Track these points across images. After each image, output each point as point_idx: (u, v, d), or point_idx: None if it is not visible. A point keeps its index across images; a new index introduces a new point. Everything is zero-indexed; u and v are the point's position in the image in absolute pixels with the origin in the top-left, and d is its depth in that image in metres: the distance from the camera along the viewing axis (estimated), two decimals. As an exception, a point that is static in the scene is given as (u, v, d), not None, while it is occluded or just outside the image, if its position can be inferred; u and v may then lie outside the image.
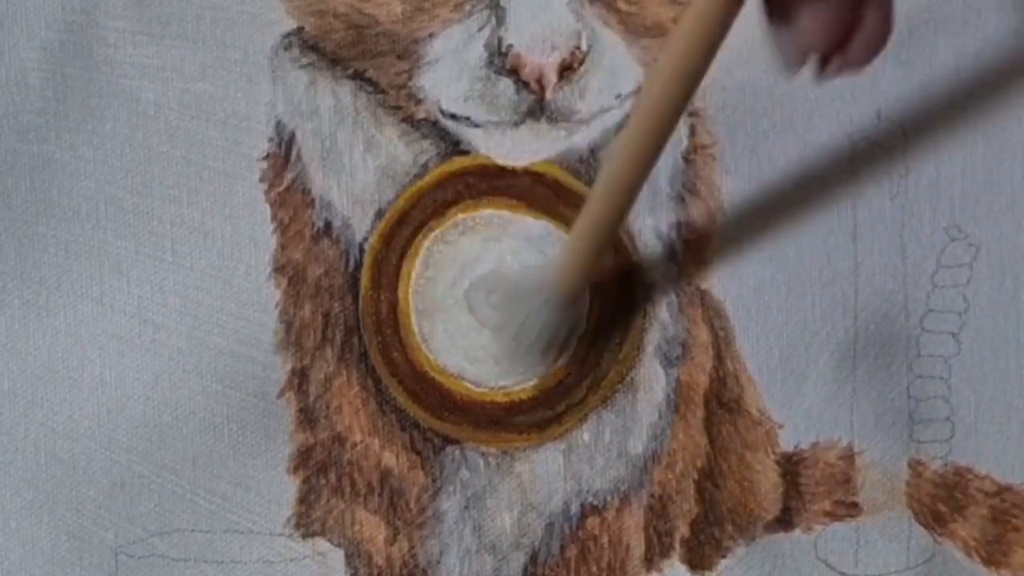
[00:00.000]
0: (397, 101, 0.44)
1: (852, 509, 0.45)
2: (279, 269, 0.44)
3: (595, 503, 0.45)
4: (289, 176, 0.44)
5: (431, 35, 0.44)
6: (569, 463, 0.45)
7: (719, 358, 0.45)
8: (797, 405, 0.45)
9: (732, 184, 0.45)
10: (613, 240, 0.42)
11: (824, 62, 0.34)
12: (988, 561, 0.45)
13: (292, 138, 0.44)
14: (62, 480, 0.44)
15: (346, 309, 0.44)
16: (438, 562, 0.44)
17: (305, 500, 0.44)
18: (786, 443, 0.45)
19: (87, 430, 0.44)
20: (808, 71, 0.34)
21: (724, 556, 0.45)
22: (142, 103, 0.44)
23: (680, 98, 0.35)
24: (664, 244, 0.45)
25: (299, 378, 0.44)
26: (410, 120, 0.44)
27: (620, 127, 0.44)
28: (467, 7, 0.44)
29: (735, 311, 0.45)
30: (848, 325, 0.45)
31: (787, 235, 0.45)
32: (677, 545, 0.45)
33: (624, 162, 0.37)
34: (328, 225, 0.44)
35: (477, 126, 0.44)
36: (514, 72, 0.43)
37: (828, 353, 0.45)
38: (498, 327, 0.44)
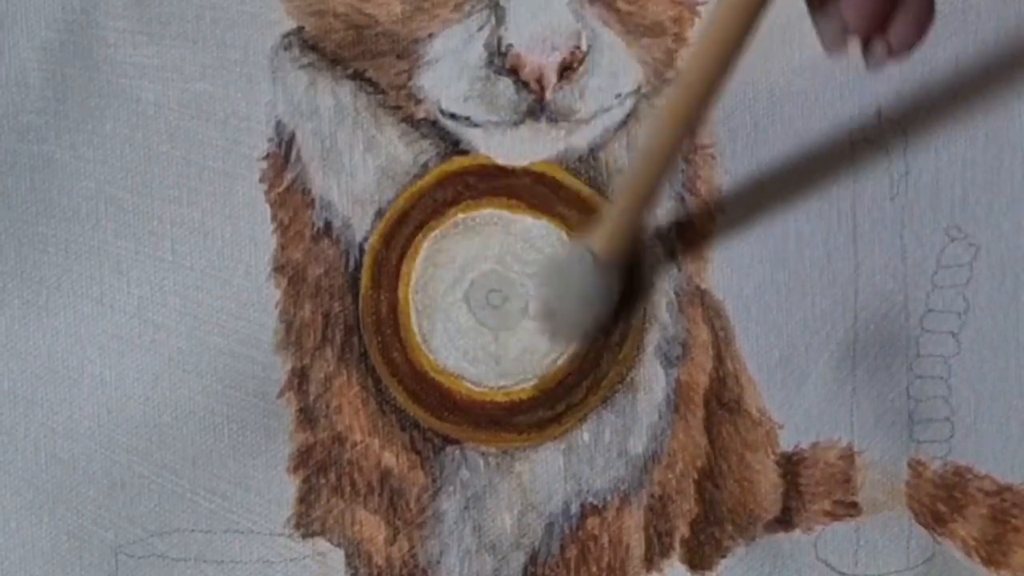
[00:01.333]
0: (397, 101, 0.44)
1: (852, 509, 0.45)
2: (279, 269, 0.44)
3: (595, 503, 0.45)
4: (289, 176, 0.44)
5: (431, 35, 0.44)
6: (569, 463, 0.45)
7: (719, 358, 0.45)
8: (797, 405, 0.45)
9: (732, 184, 0.45)
10: (653, 205, 0.42)
11: (867, 44, 0.33)
12: (988, 561, 0.45)
13: (292, 138, 0.44)
14: (62, 480, 0.44)
15: (346, 309, 0.44)
16: (438, 562, 0.44)
17: (305, 500, 0.44)
18: (786, 443, 0.45)
19: (87, 430, 0.44)
20: (854, 55, 0.34)
21: (724, 556, 0.45)
22: (142, 103, 0.44)
23: (725, 63, 0.34)
24: (664, 244, 0.45)
25: (299, 378, 0.44)
26: (410, 120, 0.44)
27: (620, 127, 0.44)
28: (467, 7, 0.44)
29: (735, 311, 0.45)
30: (848, 325, 0.45)
31: (787, 235, 0.45)
32: (677, 545, 0.45)
33: (664, 131, 0.36)
34: (328, 225, 0.44)
35: (477, 126, 0.44)
36: (514, 72, 0.43)
37: (828, 353, 0.45)
38: (537, 301, 0.44)
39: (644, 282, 0.44)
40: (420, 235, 0.44)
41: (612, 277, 0.42)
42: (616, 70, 0.44)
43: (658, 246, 0.45)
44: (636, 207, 0.40)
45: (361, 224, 0.44)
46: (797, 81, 0.45)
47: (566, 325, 0.44)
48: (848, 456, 0.45)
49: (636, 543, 0.45)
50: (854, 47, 0.35)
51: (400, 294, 0.44)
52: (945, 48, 0.45)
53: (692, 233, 0.45)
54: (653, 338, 0.45)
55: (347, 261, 0.44)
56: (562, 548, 0.45)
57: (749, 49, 0.33)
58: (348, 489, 0.44)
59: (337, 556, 0.45)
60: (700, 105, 0.35)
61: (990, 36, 0.45)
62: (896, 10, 0.33)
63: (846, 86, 0.45)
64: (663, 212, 0.45)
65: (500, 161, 0.44)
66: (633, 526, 0.45)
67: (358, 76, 0.44)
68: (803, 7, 0.39)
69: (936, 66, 0.45)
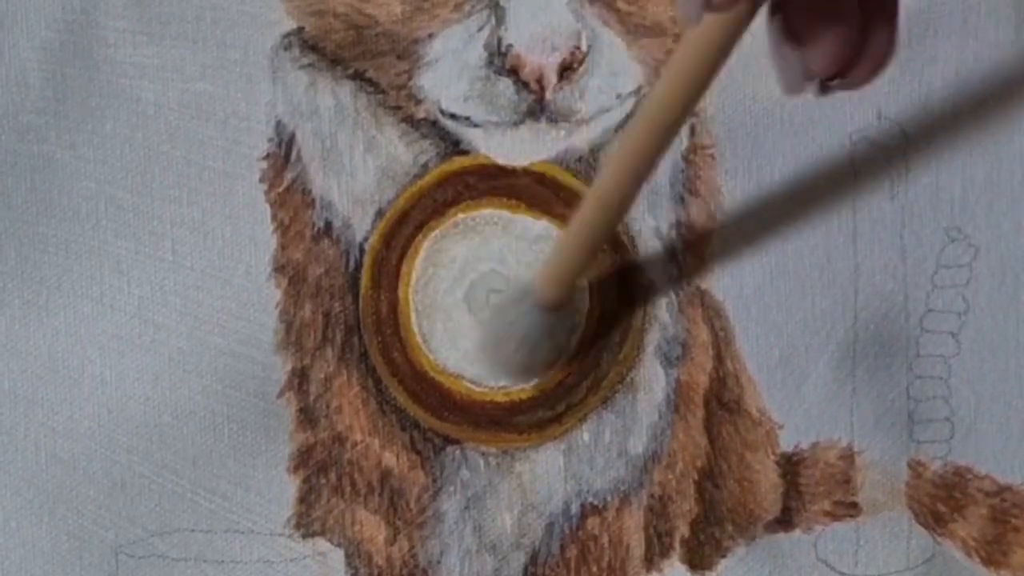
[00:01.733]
0: (397, 101, 0.44)
1: (852, 509, 0.45)
2: (279, 269, 0.44)
3: (595, 503, 0.45)
4: (289, 176, 0.44)
5: (431, 35, 0.44)
6: (569, 463, 0.45)
7: (719, 358, 0.45)
8: (797, 405, 0.45)
9: (732, 184, 0.45)
10: (597, 252, 0.42)
11: (825, 83, 0.34)
12: (988, 561, 0.45)
13: (292, 138, 0.44)
14: (62, 480, 0.44)
15: (346, 309, 0.44)
16: (438, 562, 0.44)
17: (305, 500, 0.44)
18: (786, 443, 0.45)
19: (87, 430, 0.44)
20: (810, 91, 0.35)
21: (724, 556, 0.45)
22: (142, 103, 0.44)
23: (678, 115, 0.34)
24: (664, 244, 0.45)
25: (299, 378, 0.44)
26: (410, 120, 0.44)
27: (620, 127, 0.44)
28: (467, 7, 0.44)
29: (735, 311, 0.45)
30: (848, 325, 0.45)
31: (787, 235, 0.45)
32: (677, 545, 0.45)
33: (615, 178, 0.36)
34: (328, 225, 0.44)
35: (477, 126, 0.44)
36: (514, 72, 0.43)
37: (828, 353, 0.45)
38: (482, 336, 0.44)
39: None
40: (420, 235, 0.44)
41: (554, 320, 0.41)
42: (616, 70, 0.44)
43: (658, 246, 0.45)
44: (583, 252, 0.39)
45: (361, 224, 0.44)
46: (797, 81, 0.45)
47: (507, 366, 0.44)
48: (848, 456, 0.45)
49: (636, 543, 0.45)
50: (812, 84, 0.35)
51: (400, 294, 0.44)
52: (945, 48, 0.45)
53: (692, 233, 0.45)
54: (653, 338, 0.45)
55: (347, 261, 0.44)
56: (562, 548, 0.45)
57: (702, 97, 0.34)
58: (348, 489, 0.44)
59: (337, 556, 0.45)
60: (654, 154, 0.35)
61: (990, 36, 0.45)
62: (859, 56, 0.33)
63: (846, 86, 0.45)
64: (663, 212, 0.45)
65: (500, 161, 0.44)
66: (633, 526, 0.45)
67: (358, 76, 0.44)
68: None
69: (936, 66, 0.45)
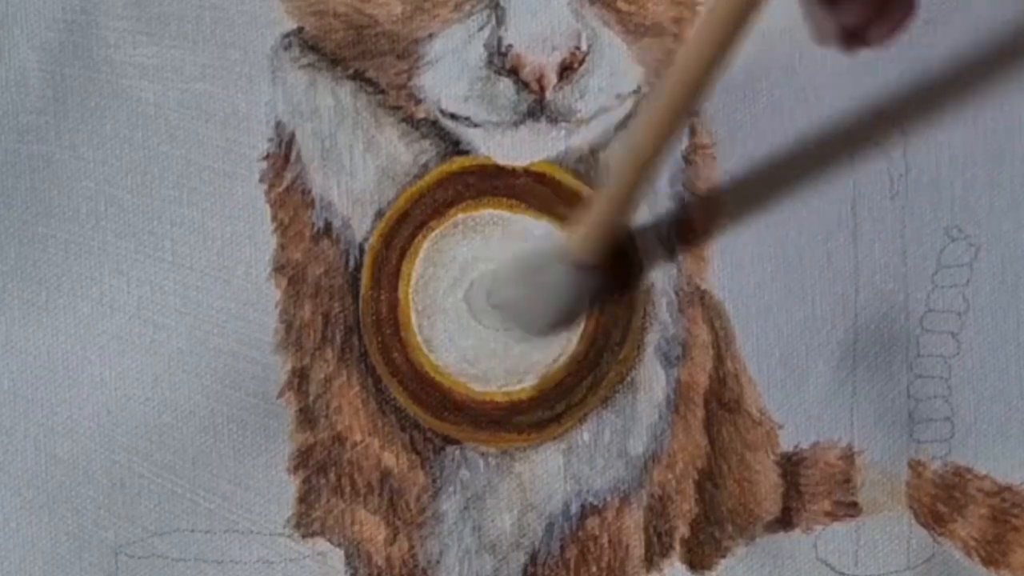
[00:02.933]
0: (397, 101, 0.44)
1: (852, 509, 0.45)
2: (279, 269, 0.44)
3: (595, 503, 0.45)
4: (289, 176, 0.44)
5: (431, 35, 0.44)
6: (569, 463, 0.45)
7: (719, 358, 0.45)
8: (797, 405, 0.45)
9: (732, 184, 0.45)
10: (635, 209, 0.42)
11: (850, 42, 0.35)
12: (988, 561, 0.45)
13: (292, 138, 0.44)
14: (62, 480, 0.44)
15: (346, 309, 0.44)
16: (438, 562, 0.44)
17: (305, 500, 0.44)
18: (786, 443, 0.45)
19: (87, 430, 0.44)
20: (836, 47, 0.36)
21: (724, 556, 0.45)
22: (142, 103, 0.44)
23: (711, 64, 0.34)
24: (664, 244, 0.45)
25: (299, 378, 0.44)
26: (410, 120, 0.44)
27: (620, 127, 0.44)
28: (467, 7, 0.44)
29: (735, 311, 0.45)
30: (848, 325, 0.45)
31: (787, 235, 0.45)
32: (677, 545, 0.45)
33: (655, 123, 0.36)
34: (328, 225, 0.44)
35: (477, 126, 0.44)
36: (514, 72, 0.43)
37: (828, 353, 0.45)
38: (510, 299, 0.43)
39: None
40: (420, 235, 0.44)
41: (583, 277, 0.41)
42: (616, 70, 0.44)
43: (658, 246, 0.45)
44: (617, 207, 0.40)
45: (361, 224, 0.44)
46: (797, 80, 0.45)
47: (527, 320, 0.43)
48: (848, 456, 0.45)
49: (636, 543, 0.45)
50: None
51: (400, 294, 0.44)
52: (945, 47, 0.45)
53: (692, 233, 0.45)
54: (653, 338, 0.45)
55: (347, 261, 0.44)
56: (562, 548, 0.45)
57: (741, 47, 0.34)
58: (348, 489, 0.44)
59: (337, 556, 0.45)
60: (688, 105, 0.35)
61: (990, 36, 0.45)
62: (882, 14, 0.35)
63: (846, 86, 0.45)
64: (663, 212, 0.45)
65: (500, 161, 0.44)
66: (633, 526, 0.45)
67: (358, 76, 0.44)
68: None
69: (936, 65, 0.45)
